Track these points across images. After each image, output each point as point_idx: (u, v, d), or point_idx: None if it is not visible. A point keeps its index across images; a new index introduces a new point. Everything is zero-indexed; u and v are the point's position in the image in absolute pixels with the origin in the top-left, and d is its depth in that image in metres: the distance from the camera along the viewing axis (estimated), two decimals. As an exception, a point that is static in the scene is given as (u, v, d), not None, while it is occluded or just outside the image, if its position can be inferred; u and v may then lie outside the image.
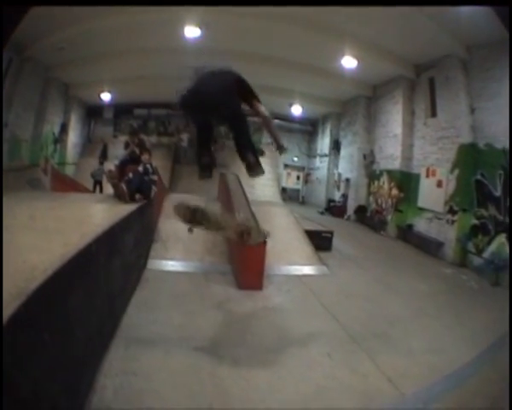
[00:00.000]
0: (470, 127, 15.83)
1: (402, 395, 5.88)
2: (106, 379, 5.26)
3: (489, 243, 14.53)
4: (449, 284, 13.05)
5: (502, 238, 13.85)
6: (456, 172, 16.37)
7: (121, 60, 20.86)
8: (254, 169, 6.33)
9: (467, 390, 6.19)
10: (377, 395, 5.85)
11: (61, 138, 25.35)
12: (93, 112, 30.79)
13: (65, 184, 18.25)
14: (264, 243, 9.84)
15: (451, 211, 16.46)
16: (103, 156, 27.72)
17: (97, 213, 9.98)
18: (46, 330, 3.75)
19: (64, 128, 25.78)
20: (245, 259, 10.26)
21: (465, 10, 12.38)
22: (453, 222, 16.32)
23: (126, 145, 13.19)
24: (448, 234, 16.50)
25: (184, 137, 30.63)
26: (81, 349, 4.83)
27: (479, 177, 15.30)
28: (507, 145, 13.65)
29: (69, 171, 25.74)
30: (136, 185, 11.10)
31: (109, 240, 6.65)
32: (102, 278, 6.19)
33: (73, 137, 27.72)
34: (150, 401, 5.02)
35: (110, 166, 14.97)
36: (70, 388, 4.35)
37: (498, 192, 14.20)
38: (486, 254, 14.49)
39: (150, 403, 4.97)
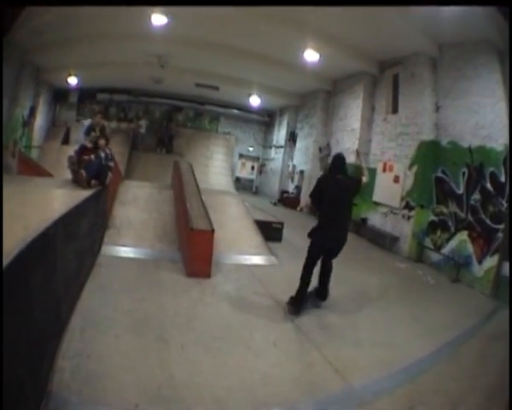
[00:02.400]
0: (433, 125, 15.39)
1: (350, 386, 5.77)
2: (64, 361, 5.24)
3: (448, 239, 14.17)
4: (402, 278, 12.77)
5: (463, 235, 13.47)
6: (415, 168, 15.97)
7: (89, 45, 19.76)
8: None
9: (421, 386, 6.00)
10: (323, 384, 5.74)
11: (29, 122, 24.08)
12: (59, 96, 29.30)
13: (30, 168, 17.33)
14: (212, 231, 9.99)
15: (408, 206, 16.06)
16: (66, 140, 26.87)
17: (56, 198, 9.75)
18: (7, 311, 3.48)
19: (32, 111, 24.52)
20: (193, 247, 9.97)
21: (440, 9, 11.78)
22: (409, 218, 15.93)
23: (88, 131, 12.39)
24: (404, 229, 16.12)
25: (142, 123, 29.74)
26: (41, 331, 4.75)
27: (439, 174, 14.92)
28: (474, 143, 13.36)
29: (34, 154, 24.46)
30: (94, 172, 11.02)
31: (66, 225, 6.50)
32: (59, 261, 5.96)
33: (40, 121, 26.33)
34: (104, 382, 4.96)
35: (71, 151, 13.93)
36: (33, 368, 4.30)
37: (461, 190, 13.81)
38: (446, 251, 14.14)
39: (104, 385, 4.92)
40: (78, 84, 26.32)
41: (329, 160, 22.09)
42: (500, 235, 12.04)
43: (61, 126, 28.78)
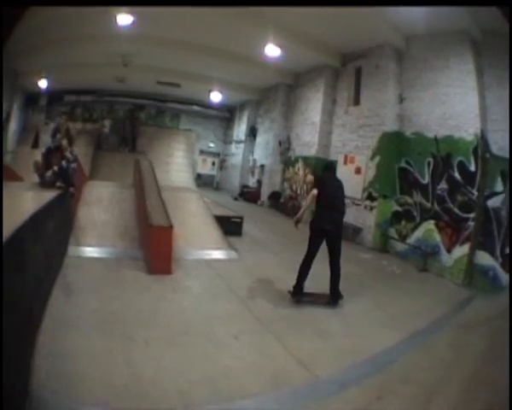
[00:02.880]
0: (397, 116, 15.14)
1: (315, 377, 5.60)
2: (40, 361, 4.96)
3: (414, 229, 13.91)
4: (366, 268, 12.38)
5: (430, 225, 13.21)
6: (377, 159, 15.64)
7: (59, 48, 19.13)
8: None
9: (390, 375, 5.85)
10: (287, 376, 5.57)
11: (4, 127, 23.38)
12: (31, 100, 28.54)
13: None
14: (171, 227, 9.83)
15: (370, 197, 15.77)
16: (35, 144, 25.99)
17: (25, 201, 9.88)
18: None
19: (8, 116, 23.85)
20: (153, 244, 9.84)
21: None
22: (372, 208, 15.63)
23: (54, 133, 11.92)
24: (367, 220, 15.82)
25: (106, 123, 28.42)
26: (16, 332, 4.36)
27: (403, 164, 14.64)
28: (439, 134, 13.13)
29: (8, 159, 23.25)
30: (59, 174, 11.08)
31: (34, 227, 6.20)
32: (29, 263, 5.58)
33: (14, 126, 25.66)
34: (76, 381, 4.86)
35: (38, 154, 13.91)
36: (13, 368, 4.01)
37: (426, 180, 13.55)
38: (411, 241, 13.87)
39: (76, 383, 4.81)
40: (48, 87, 25.68)
41: (289, 153, 22.15)
42: (471, 224, 11.76)
43: (32, 130, 27.59)
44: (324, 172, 9.80)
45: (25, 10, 12.24)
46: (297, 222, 8.85)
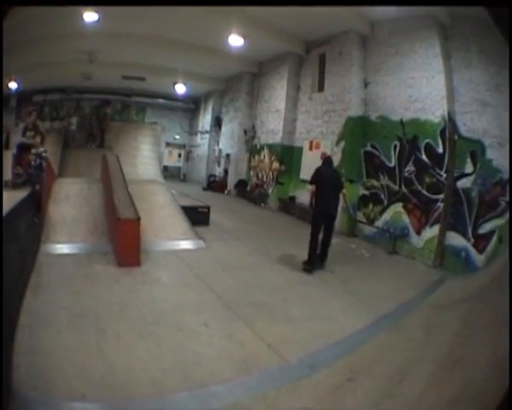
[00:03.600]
0: (361, 101, 15.01)
1: (285, 360, 5.62)
2: (18, 358, 4.96)
3: (382, 212, 13.83)
4: (334, 252, 11.78)
5: (397, 207, 13.13)
6: (342, 144, 15.48)
7: (26, 48, 18.21)
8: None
9: (361, 357, 5.83)
10: (257, 361, 5.55)
11: None
12: (1, 102, 27.62)
13: None
14: (138, 219, 9.81)
15: None
16: (6, 145, 25.64)
17: None
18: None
19: None
20: (121, 237, 9.78)
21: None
22: None
23: (24, 131, 12.26)
24: None
25: (73, 120, 28.21)
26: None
27: (368, 148, 14.55)
28: (406, 117, 13.06)
29: None
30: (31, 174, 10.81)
31: (7, 226, 6.29)
32: (4, 263, 5.41)
33: None
34: (53, 376, 4.81)
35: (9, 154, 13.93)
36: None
37: (393, 163, 13.45)
38: (380, 224, 13.76)
39: (54, 378, 4.76)
40: (17, 88, 25.05)
41: (255, 141, 21.97)
42: (440, 205, 11.61)
43: (2, 132, 27.44)
44: (322, 165, 10.80)
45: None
46: (311, 206, 10.62)
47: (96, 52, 20.76)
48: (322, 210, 10.19)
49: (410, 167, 12.70)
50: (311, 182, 10.66)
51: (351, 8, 13.52)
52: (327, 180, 10.26)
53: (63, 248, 10.13)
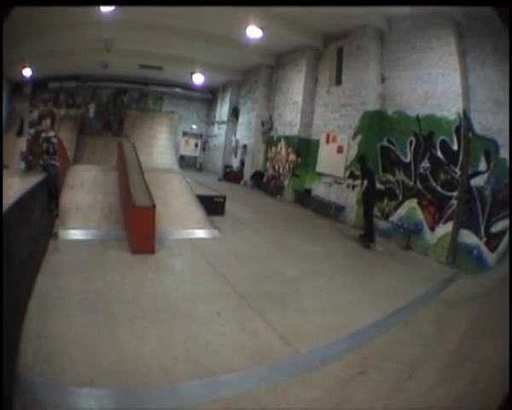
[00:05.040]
0: (378, 95, 15.03)
1: (297, 352, 5.64)
2: (26, 343, 5.06)
3: (396, 207, 13.84)
4: (348, 246, 12.43)
5: (412, 203, 13.15)
6: (359, 138, 15.52)
7: (42, 36, 18.89)
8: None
9: (371, 351, 5.86)
10: (269, 351, 5.62)
11: None
12: (15, 89, 28.23)
13: None
14: (153, 207, 9.87)
15: (352, 176, 15.66)
16: (20, 132, 25.66)
17: (10, 187, 8.29)
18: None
19: None
20: (136, 224, 9.85)
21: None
22: (354, 187, 15.52)
23: (39, 119, 11.55)
24: (349, 198, 15.76)
25: (91, 108, 28.65)
26: (4, 316, 4.29)
27: (385, 143, 14.54)
28: (422, 113, 13.05)
29: None
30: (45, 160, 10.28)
31: (19, 210, 6.19)
32: (15, 247, 5.64)
33: None
34: (61, 361, 4.84)
35: (23, 143, 14.05)
36: (3, 350, 3.98)
37: (408, 158, 13.45)
38: (394, 219, 13.78)
39: (61, 364, 4.79)
40: (32, 75, 25.11)
41: (272, 133, 22.10)
42: (454, 202, 11.64)
43: (16, 119, 27.48)
44: (367, 164, 13.10)
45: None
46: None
47: (113, 41, 21.00)
48: (375, 192, 13.05)
49: (426, 164, 12.71)
50: (367, 176, 12.76)
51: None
52: (373, 176, 12.94)
53: (77, 234, 10.29)
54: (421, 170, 12.85)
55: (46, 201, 9.71)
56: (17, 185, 8.63)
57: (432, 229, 12.26)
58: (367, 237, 12.47)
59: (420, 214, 12.76)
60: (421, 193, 12.85)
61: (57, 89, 30.42)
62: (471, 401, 4.00)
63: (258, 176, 23.50)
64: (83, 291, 6.93)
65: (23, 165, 11.21)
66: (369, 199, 12.72)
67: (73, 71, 28.57)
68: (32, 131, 11.30)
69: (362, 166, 13.12)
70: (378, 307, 7.41)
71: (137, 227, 9.66)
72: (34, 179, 8.84)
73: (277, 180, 21.28)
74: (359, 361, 5.40)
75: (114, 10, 15.25)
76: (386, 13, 14.32)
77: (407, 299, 8.02)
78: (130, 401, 4.47)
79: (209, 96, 33.91)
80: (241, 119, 27.49)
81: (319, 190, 17.84)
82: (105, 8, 15.09)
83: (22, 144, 15.21)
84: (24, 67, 23.69)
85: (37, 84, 28.59)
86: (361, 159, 13.29)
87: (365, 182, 12.59)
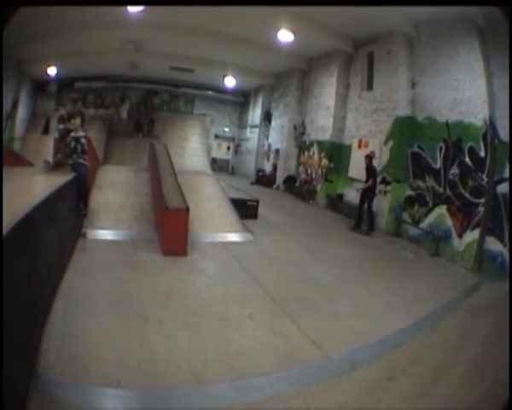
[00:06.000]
0: (409, 101, 15.31)
1: (327, 356, 5.79)
2: (49, 342, 5.22)
3: (426, 213, 14.06)
4: (379, 252, 12.71)
5: (442, 210, 13.36)
6: (390, 143, 15.81)
7: (67, 35, 19.34)
8: None
9: (400, 356, 6.01)
10: (300, 355, 5.76)
11: (11, 114, 23.94)
12: (39, 87, 29.14)
13: (12, 159, 16.90)
14: (187, 209, 10.11)
15: (384, 182, 15.89)
16: (46, 130, 26.31)
17: (37, 185, 9.41)
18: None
19: (15, 104, 24.42)
20: (169, 226, 10.07)
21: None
22: (386, 192, 15.78)
23: (68, 118, 11.79)
24: (380, 204, 15.93)
25: (124, 108, 29.21)
26: (26, 312, 4.78)
27: (415, 149, 14.80)
28: (451, 119, 13.25)
29: (16, 146, 23.83)
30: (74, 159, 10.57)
31: (46, 209, 6.45)
32: (41, 245, 5.99)
33: (22, 113, 26.12)
34: (86, 361, 4.98)
35: (50, 142, 14.68)
36: (19, 349, 4.30)
37: (438, 165, 13.68)
38: (424, 225, 14.02)
39: (86, 363, 4.93)
40: (57, 74, 25.63)
41: (304, 138, 22.53)
42: (481, 209, 11.86)
43: (41, 117, 28.21)
44: (373, 164, 15.08)
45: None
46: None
47: (142, 42, 21.49)
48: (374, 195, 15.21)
49: (455, 170, 12.96)
50: (372, 176, 14.87)
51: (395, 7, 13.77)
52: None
53: (107, 234, 10.68)
54: (451, 176, 13.09)
55: (74, 200, 10.02)
56: (42, 184, 9.20)
57: (460, 236, 12.46)
58: (365, 227, 15.06)
59: (449, 221, 12.96)
60: (450, 200, 13.07)
61: (85, 89, 31.09)
62: (492, 403, 4.26)
63: (290, 180, 23.87)
64: (112, 291, 7.22)
65: (47, 163, 11.41)
66: (371, 196, 14.92)
67: (101, 71, 29.11)
68: (61, 127, 11.85)
69: (369, 166, 14.93)
70: (406, 313, 7.64)
71: (170, 229, 9.92)
72: (61, 178, 9.15)
73: (310, 185, 21.61)
74: (387, 367, 5.61)
75: (142, 11, 15.68)
76: (413, 17, 14.61)
77: (434, 305, 8.22)
78: (157, 402, 4.65)
79: (241, 100, 34.27)
80: (273, 123, 27.88)
81: (351, 195, 18.08)
82: (132, 9, 15.47)
83: (48, 143, 15.69)
84: (48, 65, 24.28)
85: (63, 83, 29.31)
86: (369, 159, 14.99)
87: (370, 180, 14.79)
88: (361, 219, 15.05)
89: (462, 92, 12.88)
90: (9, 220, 4.32)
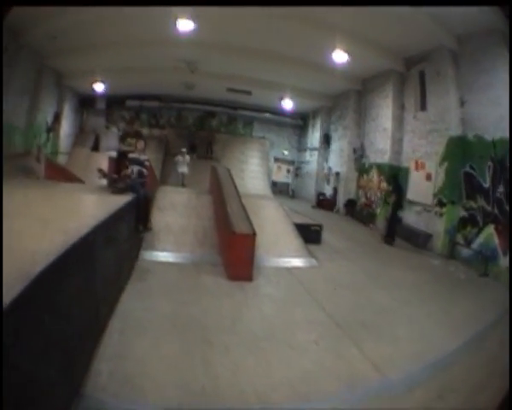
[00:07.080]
0: (460, 120, 15.86)
1: (387, 379, 6.12)
2: (101, 363, 5.47)
3: (478, 234, 14.50)
4: (436, 275, 13.14)
5: (490, 229, 13.86)
6: (445, 164, 16.32)
7: (113, 50, 20.63)
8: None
9: (451, 377, 6.34)
10: (362, 379, 6.08)
11: (53, 127, 25.15)
12: (86, 102, 30.40)
13: (58, 173, 17.95)
14: (254, 234, 10.53)
15: (440, 203, 16.41)
16: (95, 147, 28.01)
17: (90, 203, 9.95)
18: (46, 312, 3.82)
19: (57, 117, 25.60)
20: (235, 250, 10.50)
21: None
22: (441, 214, 16.28)
23: (123, 137, 12.32)
24: (436, 226, 16.51)
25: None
26: (78, 333, 5.00)
27: (468, 169, 15.30)
28: (496, 136, 13.79)
29: (60, 160, 25.33)
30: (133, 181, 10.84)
31: (105, 230, 6.69)
32: (98, 265, 6.23)
33: (66, 127, 27.54)
34: (142, 383, 5.23)
35: (101, 160, 15.56)
36: (67, 370, 4.49)
37: (487, 183, 14.23)
38: (475, 246, 14.47)
39: (141, 385, 5.18)
40: (104, 90, 26.80)
41: (363, 160, 23.75)
42: None
43: (88, 133, 29.97)
44: (398, 182, 18.41)
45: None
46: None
47: (196, 62, 22.73)
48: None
49: (501, 188, 13.54)
50: (397, 193, 17.86)
51: (436, 20, 14.60)
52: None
53: (167, 257, 11.28)
54: (498, 194, 13.67)
55: (134, 221, 10.27)
56: (98, 203, 9.71)
57: (505, 253, 13.03)
58: (390, 237, 17.44)
59: (496, 240, 13.55)
60: (497, 218, 13.66)
61: (136, 107, 32.55)
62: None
63: (351, 204, 24.71)
64: (174, 315, 7.56)
65: (99, 180, 12.27)
66: (396, 210, 17.84)
67: (154, 90, 30.57)
68: (123, 148, 11.70)
69: (394, 184, 18.57)
70: (456, 333, 8.12)
71: (236, 254, 10.41)
72: (121, 200, 9.34)
73: (370, 208, 22.41)
74: (439, 386, 5.98)
75: (193, 30, 16.43)
76: (453, 30, 15.32)
77: (481, 325, 8.66)
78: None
79: (300, 122, 35.15)
80: (332, 145, 28.84)
81: (410, 218, 18.58)
82: (183, 28, 16.23)
83: (98, 160, 16.84)
84: (95, 80, 25.47)
85: (113, 100, 30.80)
86: (394, 177, 19.06)
87: (393, 196, 18.06)
88: (394, 232, 17.65)
89: (505, 109, 13.05)
90: (65, 240, 4.67)
